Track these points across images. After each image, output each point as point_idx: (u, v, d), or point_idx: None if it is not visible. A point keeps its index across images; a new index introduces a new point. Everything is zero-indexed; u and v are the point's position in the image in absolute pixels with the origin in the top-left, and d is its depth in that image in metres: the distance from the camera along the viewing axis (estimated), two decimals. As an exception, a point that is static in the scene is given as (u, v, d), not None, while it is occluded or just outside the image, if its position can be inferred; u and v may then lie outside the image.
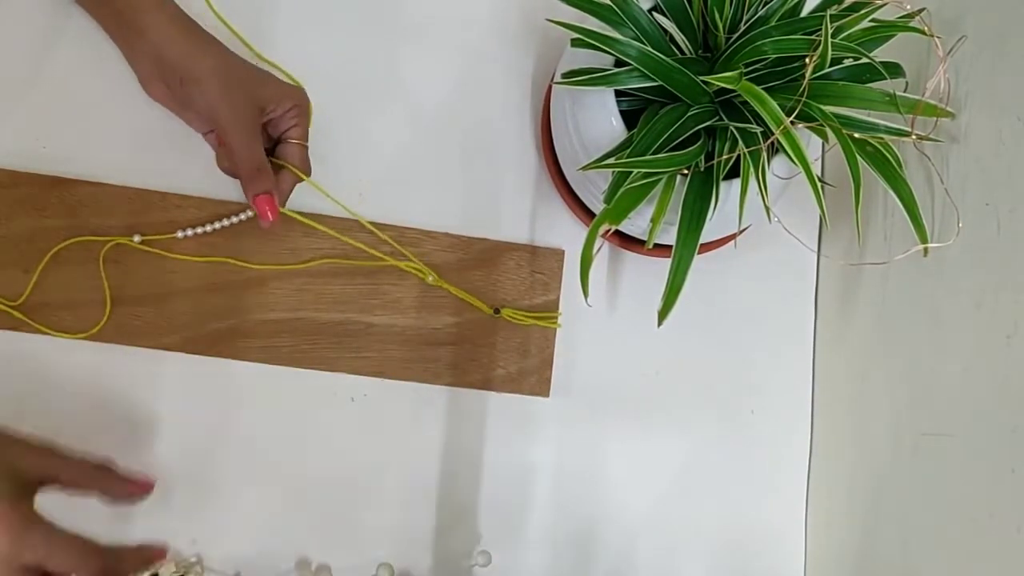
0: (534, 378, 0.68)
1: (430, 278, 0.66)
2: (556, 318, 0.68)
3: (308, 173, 0.64)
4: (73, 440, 0.55)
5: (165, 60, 0.60)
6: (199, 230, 0.64)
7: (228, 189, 0.65)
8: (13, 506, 0.48)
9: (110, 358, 0.63)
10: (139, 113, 0.63)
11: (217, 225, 0.64)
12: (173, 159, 0.65)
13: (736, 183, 0.55)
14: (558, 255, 0.69)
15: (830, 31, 0.51)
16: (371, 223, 0.66)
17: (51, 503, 0.51)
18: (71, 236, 0.63)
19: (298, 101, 0.63)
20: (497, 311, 0.67)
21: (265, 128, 0.63)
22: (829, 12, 0.53)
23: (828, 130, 0.54)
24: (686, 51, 0.58)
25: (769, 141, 0.52)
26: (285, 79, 0.66)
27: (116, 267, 0.64)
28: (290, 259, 0.66)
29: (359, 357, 0.66)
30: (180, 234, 0.64)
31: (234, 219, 0.65)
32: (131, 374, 0.64)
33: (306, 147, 0.64)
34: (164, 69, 0.60)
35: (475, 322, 0.67)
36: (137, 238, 0.64)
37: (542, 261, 0.69)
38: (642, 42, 0.56)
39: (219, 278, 0.65)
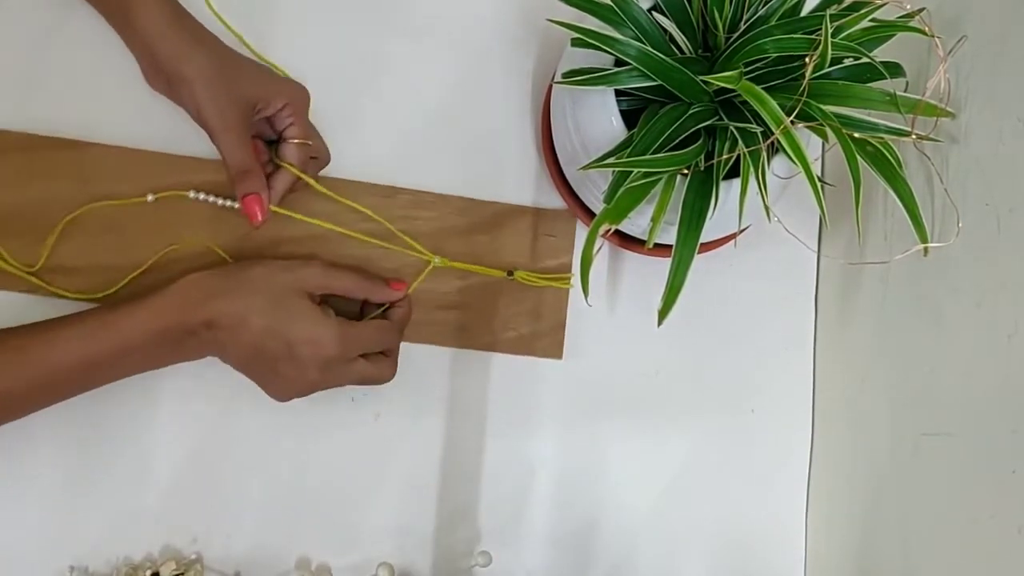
0: (547, 340, 0.68)
1: (436, 260, 0.66)
2: (568, 279, 0.69)
3: (323, 163, 0.65)
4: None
5: (156, 57, 0.60)
6: (212, 199, 0.64)
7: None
8: (328, 321, 0.58)
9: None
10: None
11: (230, 203, 0.64)
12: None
13: (736, 183, 0.55)
14: (567, 217, 0.69)
15: (830, 31, 0.51)
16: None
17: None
18: (85, 200, 0.63)
19: (291, 99, 0.62)
20: (510, 273, 0.67)
21: (268, 122, 0.63)
22: (829, 12, 0.53)
23: (828, 130, 0.54)
24: (686, 51, 0.58)
25: (769, 141, 0.52)
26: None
27: (132, 229, 0.64)
28: (304, 223, 0.65)
29: None
30: (192, 194, 0.64)
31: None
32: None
33: (308, 144, 0.63)
34: (156, 66, 0.60)
35: (486, 284, 0.68)
36: (151, 197, 0.64)
37: (553, 224, 0.69)
38: (642, 42, 0.56)
39: (233, 242, 0.65)
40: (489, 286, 0.68)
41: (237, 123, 0.60)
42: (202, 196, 0.64)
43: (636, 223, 0.61)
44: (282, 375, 0.59)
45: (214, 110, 0.59)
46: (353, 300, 0.63)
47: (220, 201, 0.64)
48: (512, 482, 0.67)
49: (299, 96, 0.63)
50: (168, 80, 0.60)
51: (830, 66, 0.54)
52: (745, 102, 0.54)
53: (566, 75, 0.57)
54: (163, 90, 0.62)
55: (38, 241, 0.63)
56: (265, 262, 0.60)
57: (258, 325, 0.57)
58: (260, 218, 0.61)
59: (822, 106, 0.54)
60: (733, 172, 0.56)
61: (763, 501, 0.70)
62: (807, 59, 0.53)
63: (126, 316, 0.56)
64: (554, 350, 0.68)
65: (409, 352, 0.67)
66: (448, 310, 0.67)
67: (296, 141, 0.63)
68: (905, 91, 0.56)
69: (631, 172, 0.54)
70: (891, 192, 0.55)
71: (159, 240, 0.64)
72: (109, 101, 0.65)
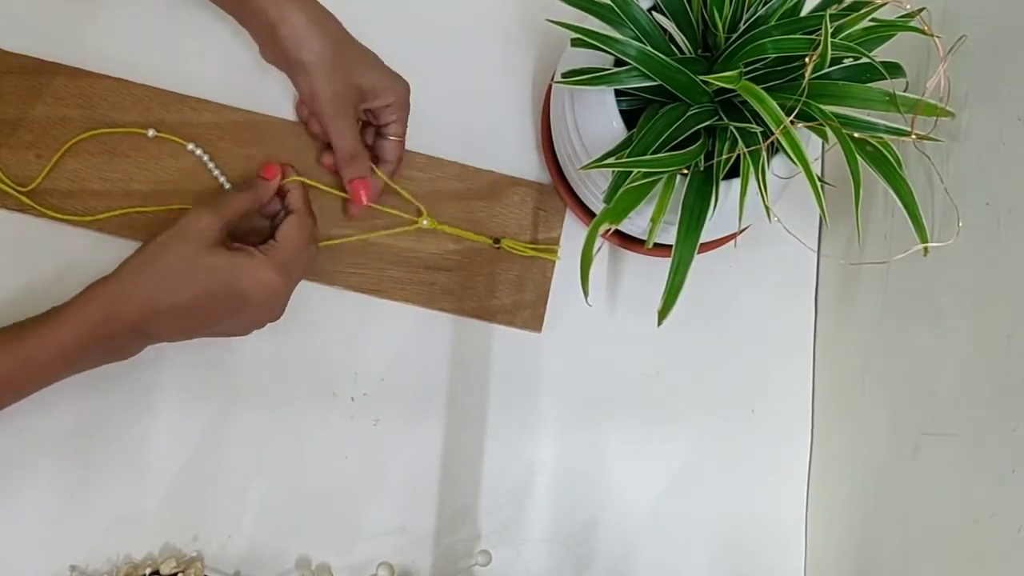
0: (528, 312, 0.69)
1: (424, 222, 0.67)
2: (556, 251, 0.69)
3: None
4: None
5: (275, 39, 0.60)
6: (207, 160, 0.65)
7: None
8: (257, 259, 0.58)
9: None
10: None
11: (221, 179, 0.65)
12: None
13: (736, 183, 0.55)
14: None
15: (830, 30, 0.51)
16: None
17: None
18: (87, 127, 0.65)
19: (398, 97, 0.63)
20: (497, 242, 0.68)
21: (369, 113, 0.64)
22: (829, 11, 0.53)
23: (828, 130, 0.54)
24: (686, 51, 0.58)
25: (769, 141, 0.52)
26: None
27: (127, 161, 0.65)
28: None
29: (357, 273, 0.67)
30: (190, 147, 0.65)
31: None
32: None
33: (403, 143, 0.65)
34: (275, 46, 0.60)
35: (475, 251, 0.69)
36: (151, 132, 0.65)
37: (546, 198, 0.70)
38: (642, 42, 0.56)
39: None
40: (480, 252, 0.69)
41: (348, 110, 0.61)
42: (199, 152, 0.65)
43: (636, 223, 0.61)
44: (247, 319, 0.59)
45: (329, 97, 0.60)
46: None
47: (211, 165, 0.65)
48: (512, 482, 0.67)
49: (405, 95, 0.64)
50: (286, 62, 0.61)
51: (830, 66, 0.54)
52: (745, 102, 0.54)
53: (566, 75, 0.57)
54: (277, 65, 0.63)
55: (37, 158, 0.64)
56: (155, 243, 0.56)
57: (194, 303, 0.56)
58: (365, 202, 0.63)
59: (822, 106, 0.54)
60: (733, 172, 0.56)
61: (763, 501, 0.70)
62: (807, 59, 0.53)
63: (34, 336, 0.54)
64: (534, 323, 0.69)
65: (410, 351, 0.67)
66: (436, 271, 0.68)
67: (394, 139, 0.64)
68: (905, 91, 0.56)
69: (631, 172, 0.54)
70: (891, 192, 0.55)
71: (153, 176, 0.65)
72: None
